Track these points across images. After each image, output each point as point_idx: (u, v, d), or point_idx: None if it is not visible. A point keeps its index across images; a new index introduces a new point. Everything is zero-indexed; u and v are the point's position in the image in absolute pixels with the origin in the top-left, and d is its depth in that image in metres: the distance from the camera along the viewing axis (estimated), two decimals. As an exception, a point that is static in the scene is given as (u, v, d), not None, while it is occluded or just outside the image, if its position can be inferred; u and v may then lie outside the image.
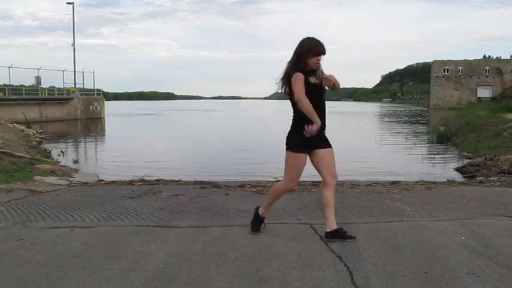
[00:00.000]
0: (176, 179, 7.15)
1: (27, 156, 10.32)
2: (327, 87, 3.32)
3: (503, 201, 4.72)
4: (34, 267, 2.79)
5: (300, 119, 3.14)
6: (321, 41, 3.23)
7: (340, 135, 23.86)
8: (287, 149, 3.26)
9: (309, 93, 3.09)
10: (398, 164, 12.64)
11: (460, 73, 65.72)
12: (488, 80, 64.44)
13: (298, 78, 3.09)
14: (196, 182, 6.42)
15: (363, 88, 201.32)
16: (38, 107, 33.52)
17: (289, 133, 3.27)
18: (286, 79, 3.19)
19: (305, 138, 3.11)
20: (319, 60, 3.18)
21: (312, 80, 3.17)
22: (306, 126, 3.06)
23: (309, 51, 3.15)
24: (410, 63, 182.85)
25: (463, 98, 61.52)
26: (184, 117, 47.16)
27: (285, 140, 3.28)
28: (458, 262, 2.82)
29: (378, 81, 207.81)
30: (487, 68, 64.97)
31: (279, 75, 3.26)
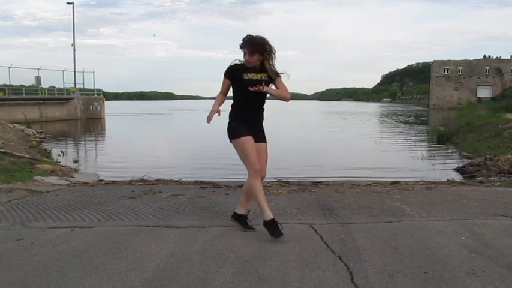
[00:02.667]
0: (176, 179, 7.15)
1: (27, 156, 10.32)
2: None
3: (503, 201, 4.73)
4: (34, 267, 2.79)
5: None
6: (254, 37, 3.36)
7: (341, 135, 23.90)
8: (232, 138, 3.49)
9: (245, 89, 3.32)
10: (398, 164, 12.63)
11: (460, 73, 65.74)
12: (488, 80, 64.45)
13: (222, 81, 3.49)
14: (196, 182, 6.42)
15: (363, 88, 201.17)
16: (38, 107, 33.53)
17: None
18: None
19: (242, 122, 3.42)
20: (247, 57, 3.36)
21: (247, 76, 3.38)
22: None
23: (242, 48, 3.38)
24: (410, 63, 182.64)
25: (463, 98, 61.47)
26: (191, 117, 47.04)
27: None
28: (458, 262, 2.82)
29: (378, 81, 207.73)
30: (487, 68, 64.98)
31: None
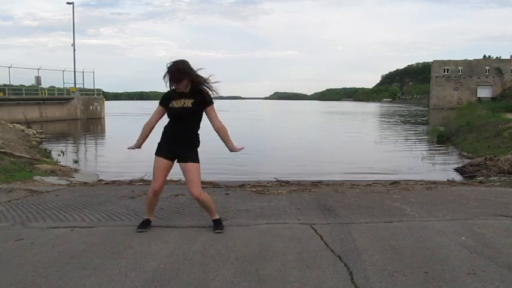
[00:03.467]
0: (176, 179, 7.14)
1: (27, 156, 10.32)
2: None
3: (503, 201, 4.73)
4: (34, 267, 2.79)
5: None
6: (179, 64, 3.37)
7: (341, 135, 23.90)
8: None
9: (169, 115, 3.49)
10: (398, 164, 12.64)
11: (460, 73, 65.72)
12: (488, 80, 64.43)
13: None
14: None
15: (363, 88, 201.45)
16: (38, 107, 33.52)
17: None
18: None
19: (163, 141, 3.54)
20: (176, 86, 3.39)
21: (172, 104, 3.44)
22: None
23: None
24: (410, 63, 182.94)
25: (463, 98, 61.46)
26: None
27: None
28: (458, 262, 2.82)
29: (378, 81, 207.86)
30: (487, 68, 64.96)
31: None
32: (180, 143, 3.48)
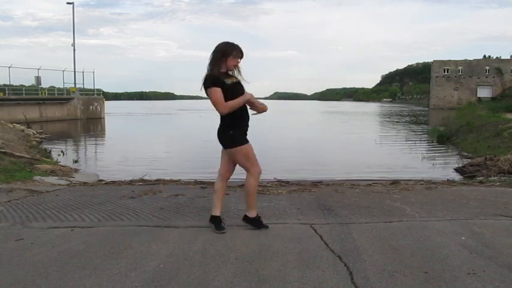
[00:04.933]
0: (176, 179, 7.15)
1: (27, 156, 10.32)
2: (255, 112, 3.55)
3: (503, 201, 4.73)
4: (34, 267, 2.79)
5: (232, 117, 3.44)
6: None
7: (341, 135, 23.90)
8: (237, 146, 3.48)
9: (229, 95, 3.36)
10: (398, 164, 12.64)
11: (460, 73, 65.75)
12: (488, 80, 64.45)
13: (216, 92, 3.34)
14: (196, 182, 6.42)
15: (363, 88, 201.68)
16: (38, 107, 33.52)
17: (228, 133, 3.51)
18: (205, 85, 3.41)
19: (242, 130, 3.49)
20: (238, 62, 3.47)
21: (228, 81, 3.40)
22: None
23: (228, 54, 3.40)
24: (410, 63, 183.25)
25: (463, 98, 61.47)
26: (195, 116, 46.92)
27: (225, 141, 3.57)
28: (458, 262, 2.82)
29: (378, 81, 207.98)
30: (487, 68, 64.99)
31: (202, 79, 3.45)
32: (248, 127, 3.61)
